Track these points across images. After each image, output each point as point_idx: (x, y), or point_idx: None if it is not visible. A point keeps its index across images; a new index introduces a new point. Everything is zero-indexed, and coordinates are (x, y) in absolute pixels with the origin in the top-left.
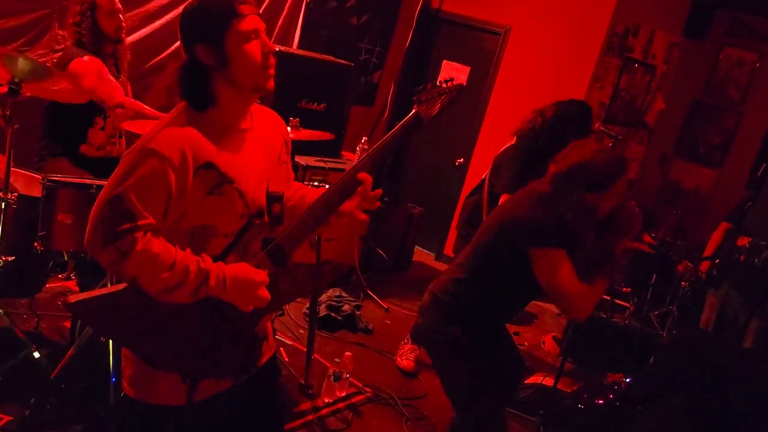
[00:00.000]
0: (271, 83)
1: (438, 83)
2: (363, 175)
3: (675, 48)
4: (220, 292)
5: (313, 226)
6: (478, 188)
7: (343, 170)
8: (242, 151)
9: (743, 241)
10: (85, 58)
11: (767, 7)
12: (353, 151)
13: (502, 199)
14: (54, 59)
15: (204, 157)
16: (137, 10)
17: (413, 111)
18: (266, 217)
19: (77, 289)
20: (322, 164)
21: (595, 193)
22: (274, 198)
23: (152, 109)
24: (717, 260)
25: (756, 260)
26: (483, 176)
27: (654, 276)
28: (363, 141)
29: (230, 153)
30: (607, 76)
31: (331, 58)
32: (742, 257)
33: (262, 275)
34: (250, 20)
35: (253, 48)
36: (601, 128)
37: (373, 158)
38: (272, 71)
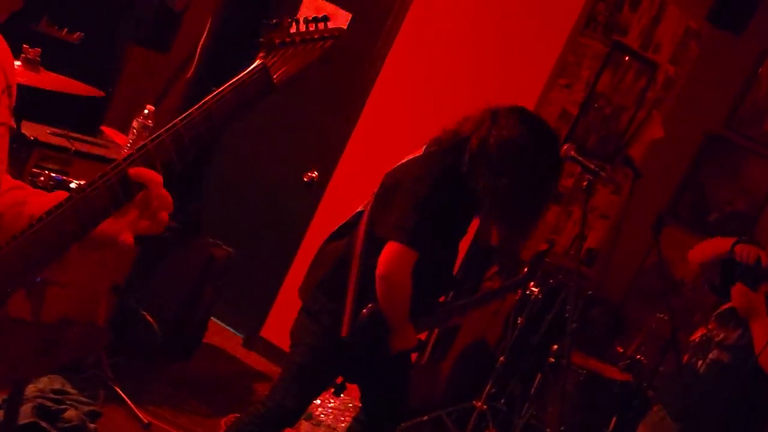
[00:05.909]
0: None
1: (304, 19)
2: (143, 172)
3: (692, 39)
4: None
5: (53, 252)
6: (349, 227)
7: (99, 158)
8: None
9: (694, 336)
10: None
11: None
12: (125, 127)
13: (390, 250)
14: None
15: None
16: None
17: (258, 62)
18: None
19: None
20: (64, 142)
21: None
22: None
23: None
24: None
25: (699, 362)
26: (360, 207)
27: (614, 419)
28: (146, 112)
29: None
30: (579, 68)
31: None
32: (684, 357)
33: None
34: None
35: None
36: (572, 154)
37: (176, 139)
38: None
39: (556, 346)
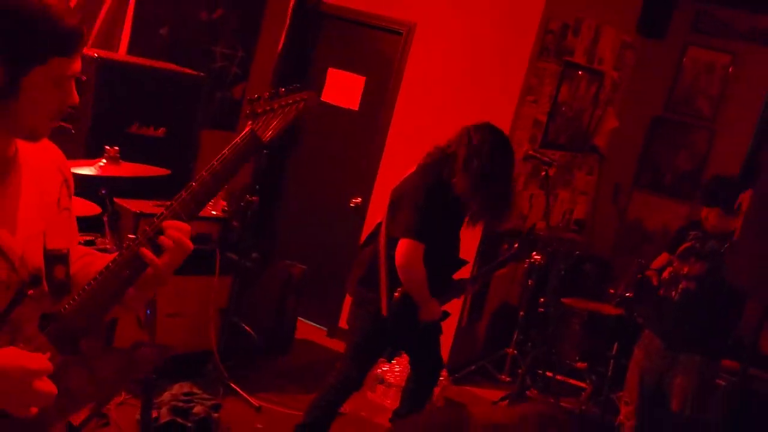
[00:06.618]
0: (48, 133)
1: (278, 92)
2: (173, 223)
3: (627, 49)
4: None
5: (116, 293)
6: (373, 235)
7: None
8: (5, 191)
9: (664, 274)
10: None
11: None
12: None
13: (402, 245)
14: None
15: None
16: None
17: (247, 129)
18: (45, 284)
19: None
20: (162, 210)
21: None
22: (55, 257)
23: None
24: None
25: (673, 293)
26: (381, 219)
27: (615, 345)
28: None
29: None
30: (542, 86)
31: (174, 66)
32: (661, 291)
33: (39, 361)
34: (78, 63)
35: (59, 95)
36: (531, 153)
37: (195, 196)
38: (58, 123)
39: (542, 299)
